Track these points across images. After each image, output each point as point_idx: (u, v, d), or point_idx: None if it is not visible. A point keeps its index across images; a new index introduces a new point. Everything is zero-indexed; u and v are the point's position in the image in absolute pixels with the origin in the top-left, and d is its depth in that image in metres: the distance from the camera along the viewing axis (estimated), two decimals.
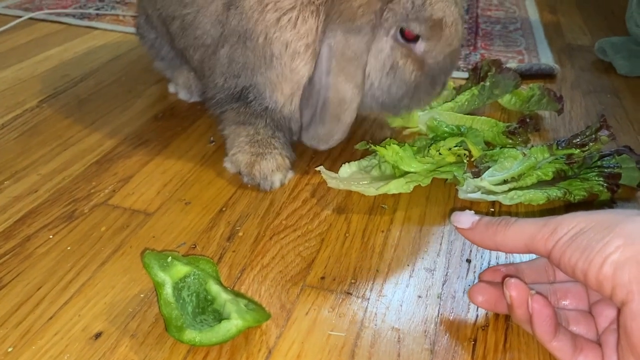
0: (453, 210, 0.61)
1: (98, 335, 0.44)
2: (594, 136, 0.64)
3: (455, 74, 0.95)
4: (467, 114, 0.79)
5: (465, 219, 0.45)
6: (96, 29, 1.08)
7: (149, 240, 0.54)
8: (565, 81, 0.96)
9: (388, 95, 0.64)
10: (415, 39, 0.60)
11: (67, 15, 1.13)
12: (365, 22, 0.57)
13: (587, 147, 0.63)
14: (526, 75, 0.95)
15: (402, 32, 0.60)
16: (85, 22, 1.10)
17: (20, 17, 1.09)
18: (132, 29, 1.08)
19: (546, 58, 1.04)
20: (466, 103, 0.80)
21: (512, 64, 0.95)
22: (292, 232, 0.57)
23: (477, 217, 0.45)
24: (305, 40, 0.59)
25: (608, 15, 1.35)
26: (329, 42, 0.57)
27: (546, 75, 0.97)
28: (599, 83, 0.96)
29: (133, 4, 1.23)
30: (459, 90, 0.83)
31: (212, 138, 0.72)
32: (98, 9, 1.18)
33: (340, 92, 0.59)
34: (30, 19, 1.10)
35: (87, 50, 0.98)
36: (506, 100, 0.83)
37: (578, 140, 0.64)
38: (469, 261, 0.54)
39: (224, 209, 0.59)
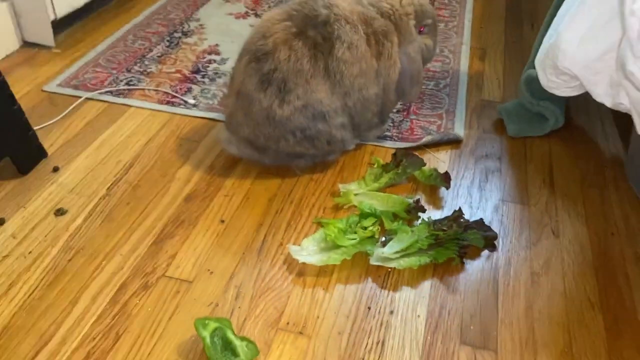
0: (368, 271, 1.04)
1: None
2: (452, 223, 1.05)
3: (389, 143, 1.35)
4: (390, 187, 1.21)
5: None
6: (130, 106, 1.47)
7: (192, 301, 0.98)
8: (467, 146, 1.36)
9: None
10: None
11: (106, 93, 1.51)
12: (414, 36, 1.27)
13: (447, 230, 1.05)
14: (439, 144, 1.36)
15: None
16: (121, 100, 1.49)
17: (79, 97, 1.48)
18: (157, 105, 1.47)
19: (460, 120, 1.43)
20: (388, 181, 1.21)
21: (428, 138, 1.34)
22: (272, 291, 1.00)
23: None
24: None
25: (526, 59, 1.71)
26: (405, 51, 1.25)
27: (453, 142, 1.36)
28: (492, 147, 1.36)
29: (154, 74, 1.61)
30: (385, 167, 1.23)
31: (222, 219, 1.14)
32: (128, 82, 1.56)
33: (417, 68, 1.26)
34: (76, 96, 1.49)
35: (129, 133, 1.38)
36: (416, 174, 1.24)
37: (445, 224, 1.06)
38: (369, 308, 0.97)
39: (232, 276, 1.03)
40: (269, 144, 1.20)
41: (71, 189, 1.21)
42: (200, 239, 1.10)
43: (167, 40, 1.78)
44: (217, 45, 1.76)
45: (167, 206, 1.17)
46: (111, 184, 1.23)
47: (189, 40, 1.79)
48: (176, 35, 1.82)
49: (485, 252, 1.09)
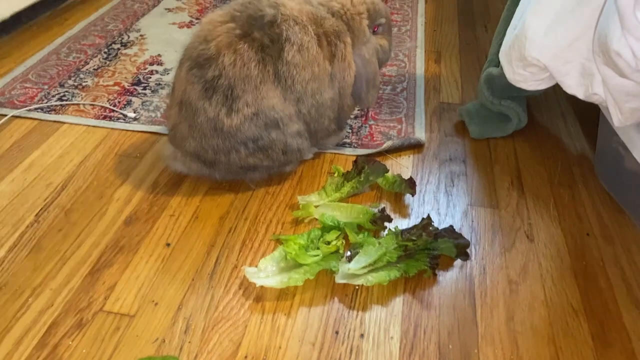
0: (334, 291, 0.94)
1: None
2: (421, 232, 0.97)
3: (348, 150, 1.26)
4: (352, 196, 1.12)
5: None
6: (63, 123, 1.34)
7: (135, 338, 0.85)
8: (429, 150, 1.29)
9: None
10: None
11: (36, 110, 1.37)
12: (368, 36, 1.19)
13: (416, 240, 0.96)
14: (400, 149, 1.28)
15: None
16: (53, 117, 1.35)
17: (4, 115, 1.34)
18: (93, 121, 1.34)
19: (420, 123, 1.36)
20: (350, 190, 1.12)
21: (388, 143, 1.26)
22: (226, 321, 0.88)
23: None
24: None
25: (483, 61, 1.66)
26: (359, 53, 1.16)
27: (415, 146, 1.29)
28: (455, 150, 1.29)
29: (90, 88, 1.48)
30: (346, 176, 1.14)
31: (167, 242, 1.02)
32: (61, 97, 1.42)
33: (373, 71, 1.18)
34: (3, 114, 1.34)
35: (61, 152, 1.24)
36: (379, 181, 1.15)
37: (413, 234, 0.97)
38: (337, 332, 0.87)
39: (180, 306, 0.91)
40: (218, 157, 1.09)
41: None
42: (143, 266, 0.98)
43: (105, 52, 1.65)
44: (159, 55, 1.64)
45: (105, 231, 1.04)
46: (40, 210, 1.09)
47: (128, 51, 1.66)
48: (114, 46, 1.69)
49: (458, 262, 1.00)
